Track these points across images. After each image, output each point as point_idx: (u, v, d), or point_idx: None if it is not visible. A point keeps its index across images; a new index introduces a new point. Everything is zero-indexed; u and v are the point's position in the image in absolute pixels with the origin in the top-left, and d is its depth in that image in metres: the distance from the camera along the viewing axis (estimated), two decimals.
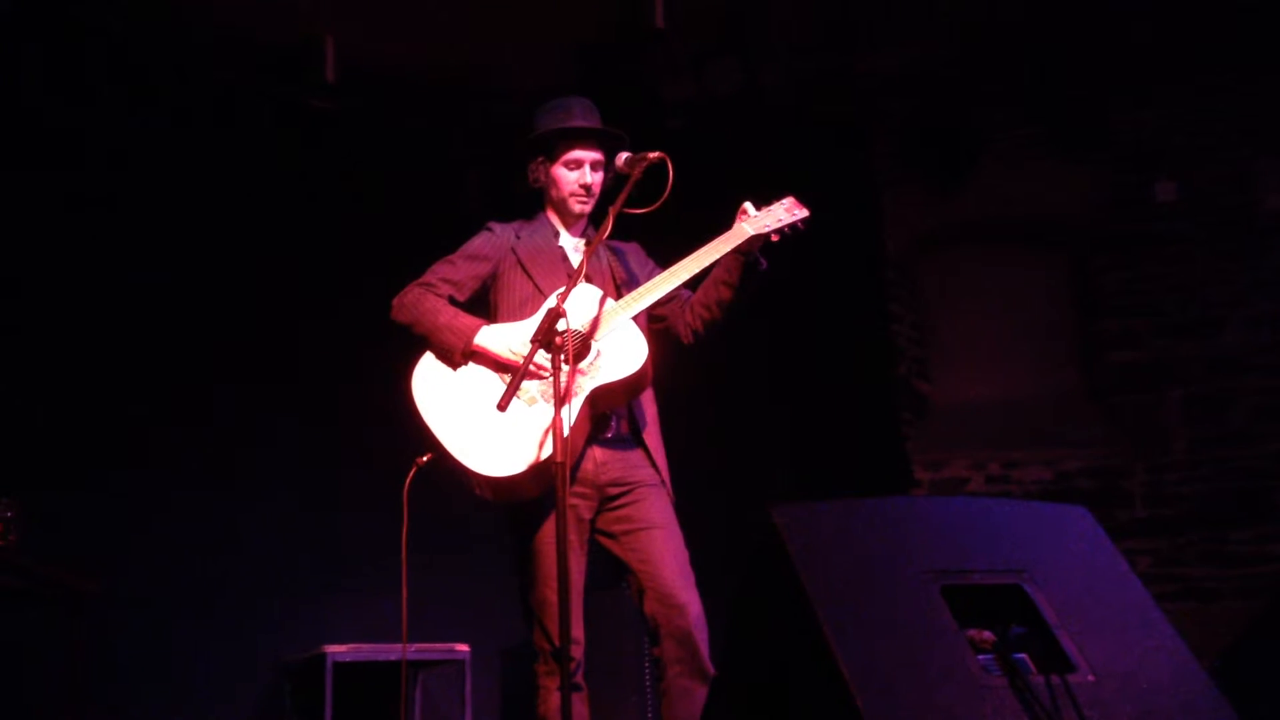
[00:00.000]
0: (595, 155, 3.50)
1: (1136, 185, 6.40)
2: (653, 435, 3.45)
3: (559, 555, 2.91)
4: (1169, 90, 6.36)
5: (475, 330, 3.35)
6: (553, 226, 3.58)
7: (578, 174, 3.50)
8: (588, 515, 3.35)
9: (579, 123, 3.50)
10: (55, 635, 4.50)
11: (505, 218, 3.62)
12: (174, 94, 5.50)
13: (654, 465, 3.41)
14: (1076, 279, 6.60)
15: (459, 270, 3.49)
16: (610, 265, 3.56)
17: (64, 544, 4.64)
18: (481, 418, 3.24)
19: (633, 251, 3.65)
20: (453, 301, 3.45)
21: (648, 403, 3.47)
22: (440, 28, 5.63)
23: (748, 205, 3.41)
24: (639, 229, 3.47)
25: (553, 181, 3.53)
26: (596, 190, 3.53)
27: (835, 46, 6.05)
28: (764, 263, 3.42)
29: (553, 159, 3.52)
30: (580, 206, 3.53)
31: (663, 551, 3.30)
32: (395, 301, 3.46)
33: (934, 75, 6.24)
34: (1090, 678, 2.40)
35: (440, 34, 5.68)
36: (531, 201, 3.64)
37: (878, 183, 6.56)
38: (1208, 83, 6.32)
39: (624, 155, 3.41)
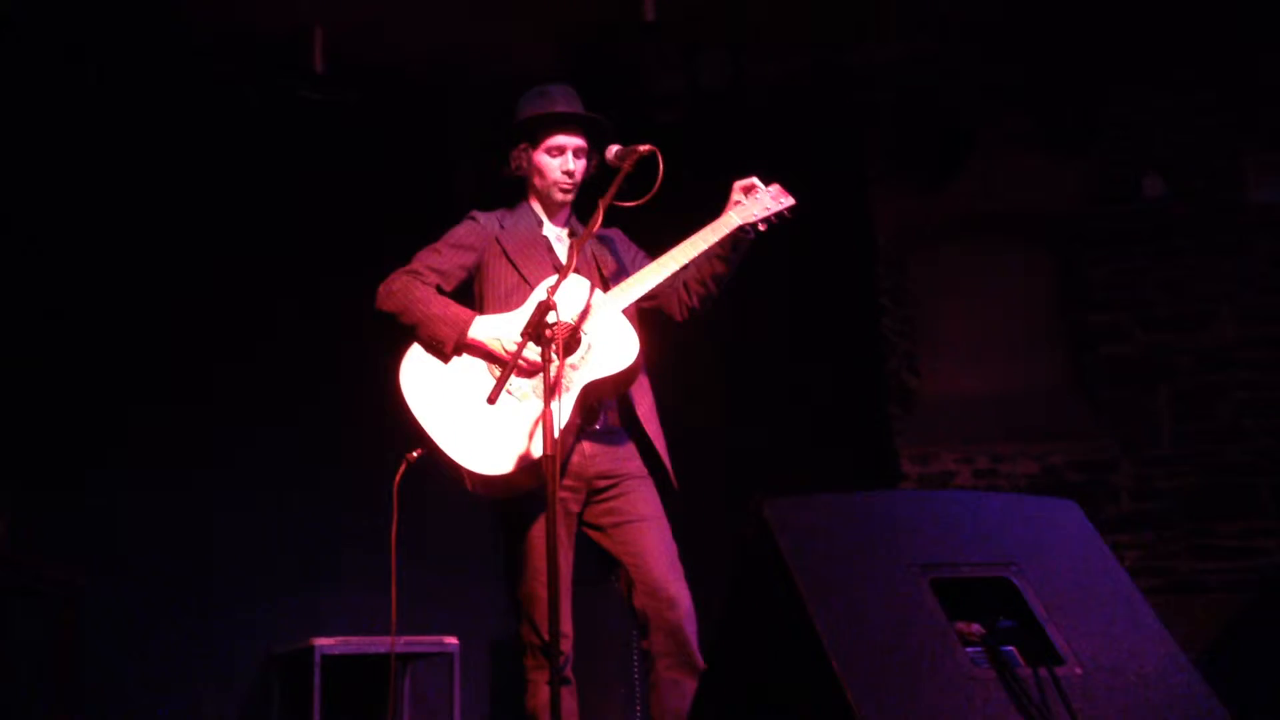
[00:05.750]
0: (578, 142, 3.49)
1: (1125, 180, 6.42)
2: (651, 423, 3.44)
3: (548, 550, 2.90)
4: (1157, 85, 6.38)
5: (469, 322, 3.32)
6: (536, 215, 3.55)
7: (560, 160, 3.48)
8: (576, 509, 3.34)
9: (561, 108, 3.48)
10: (44, 629, 4.49)
11: (490, 208, 3.60)
12: (162, 85, 5.47)
13: (653, 454, 3.40)
14: (1065, 273, 6.61)
15: (445, 259, 3.46)
16: (595, 255, 3.54)
17: (53, 538, 4.63)
18: (472, 412, 3.22)
19: (616, 239, 3.63)
20: (439, 291, 3.41)
21: (642, 392, 3.45)
22: (429, 21, 5.62)
23: (755, 180, 3.43)
24: (627, 220, 3.46)
25: (535, 169, 3.51)
26: (579, 177, 3.51)
27: (825, 40, 6.05)
28: (752, 234, 3.43)
29: (535, 145, 3.49)
30: (563, 194, 3.51)
31: (652, 544, 3.29)
32: (382, 289, 3.40)
33: (924, 70, 6.24)
34: (1078, 670, 2.41)
35: (429, 27, 5.66)
36: (517, 193, 3.62)
37: (867, 176, 6.56)
38: (1195, 77, 6.34)
39: (615, 148, 3.40)
